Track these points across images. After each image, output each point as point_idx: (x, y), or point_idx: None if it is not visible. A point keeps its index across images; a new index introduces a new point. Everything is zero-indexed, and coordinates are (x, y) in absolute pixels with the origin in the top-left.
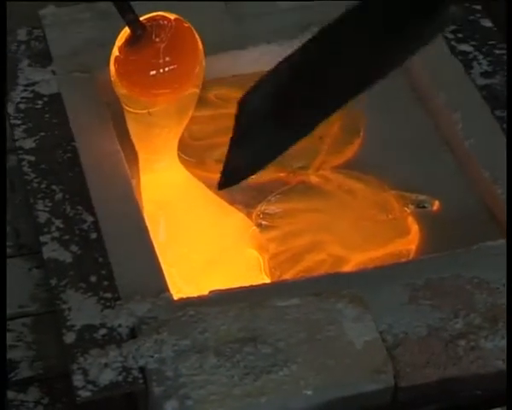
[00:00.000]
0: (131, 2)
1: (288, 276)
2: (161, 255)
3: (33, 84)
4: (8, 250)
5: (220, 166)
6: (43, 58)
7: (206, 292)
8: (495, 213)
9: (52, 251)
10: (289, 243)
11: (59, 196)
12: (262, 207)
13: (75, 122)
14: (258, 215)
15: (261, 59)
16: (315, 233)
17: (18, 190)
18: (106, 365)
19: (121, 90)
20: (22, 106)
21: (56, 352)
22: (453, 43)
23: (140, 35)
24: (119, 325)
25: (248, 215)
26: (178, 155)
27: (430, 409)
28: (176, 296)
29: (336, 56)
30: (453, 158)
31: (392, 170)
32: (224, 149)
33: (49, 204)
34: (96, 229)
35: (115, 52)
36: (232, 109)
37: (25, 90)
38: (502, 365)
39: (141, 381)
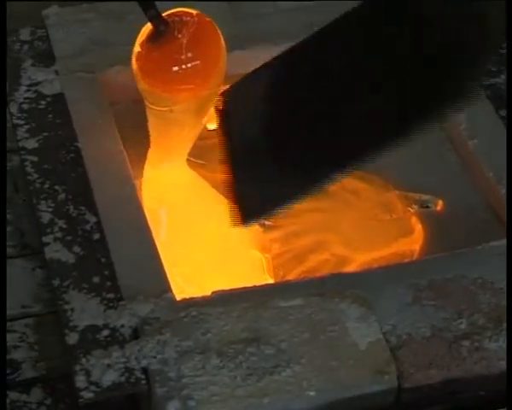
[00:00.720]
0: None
1: (291, 276)
2: (164, 256)
3: (36, 84)
4: (12, 250)
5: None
6: (46, 58)
7: (208, 292)
8: (499, 213)
9: (55, 252)
10: (293, 243)
11: (62, 196)
12: None
13: (78, 122)
14: None
15: (262, 59)
16: (318, 233)
17: (21, 191)
18: (108, 365)
19: (144, 86)
20: (25, 106)
21: (59, 352)
22: None
23: (162, 31)
24: (122, 326)
25: None
26: None
27: None
28: (178, 297)
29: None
30: (457, 158)
31: (395, 170)
32: None
33: (52, 204)
34: (99, 229)
35: (137, 48)
36: None
37: (28, 90)
38: (506, 366)
39: (143, 382)
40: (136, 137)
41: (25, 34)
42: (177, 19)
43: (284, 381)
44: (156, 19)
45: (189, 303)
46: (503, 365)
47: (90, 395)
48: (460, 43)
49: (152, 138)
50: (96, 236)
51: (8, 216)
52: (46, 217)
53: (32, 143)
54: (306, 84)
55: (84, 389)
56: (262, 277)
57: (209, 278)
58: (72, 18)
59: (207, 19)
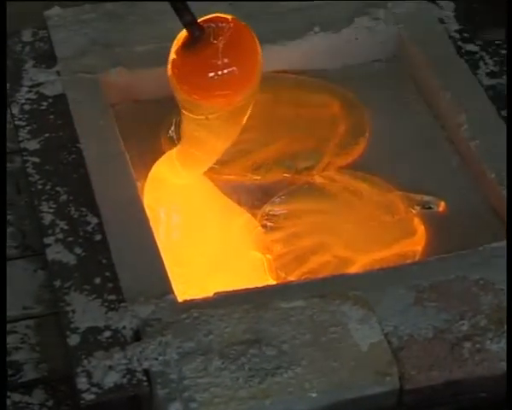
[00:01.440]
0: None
1: (292, 277)
2: (165, 257)
3: (38, 85)
4: (14, 251)
5: (226, 169)
6: (47, 59)
7: (210, 294)
8: (501, 215)
9: (56, 253)
10: (294, 244)
11: (63, 197)
12: (267, 208)
13: (80, 123)
14: (263, 216)
15: (263, 59)
16: (320, 234)
17: (23, 192)
18: (110, 367)
19: (181, 95)
20: (27, 107)
21: (61, 354)
22: (459, 43)
23: (198, 36)
24: (124, 327)
25: (253, 216)
26: None
27: None
28: (180, 298)
29: None
30: (459, 159)
31: (397, 171)
32: (231, 151)
33: (54, 206)
34: (101, 231)
35: (172, 55)
36: None
37: (29, 92)
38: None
39: (145, 383)
40: (138, 138)
41: (26, 35)
42: (212, 24)
43: (286, 382)
44: (192, 25)
45: (191, 305)
46: (504, 366)
47: (92, 396)
48: None
49: (182, 142)
50: (98, 237)
51: (9, 217)
52: (48, 218)
53: (33, 145)
54: None
55: (86, 390)
56: (263, 278)
57: (211, 280)
58: (74, 19)
59: (242, 24)
